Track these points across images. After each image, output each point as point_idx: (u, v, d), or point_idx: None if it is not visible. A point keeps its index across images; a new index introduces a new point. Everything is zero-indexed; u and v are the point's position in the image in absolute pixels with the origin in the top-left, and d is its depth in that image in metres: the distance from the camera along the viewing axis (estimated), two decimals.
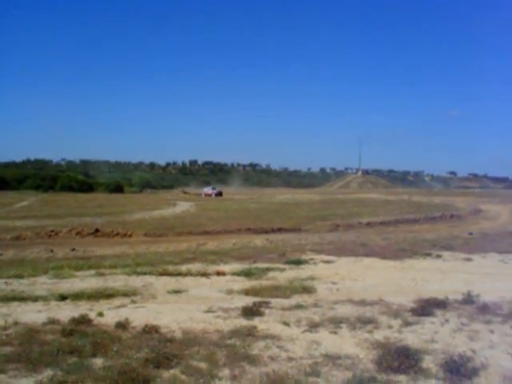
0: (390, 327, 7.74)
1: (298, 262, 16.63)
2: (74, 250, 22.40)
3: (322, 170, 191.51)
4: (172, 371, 5.78)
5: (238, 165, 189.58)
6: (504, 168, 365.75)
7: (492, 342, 6.62)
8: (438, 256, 18.70)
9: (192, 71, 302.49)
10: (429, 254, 18.96)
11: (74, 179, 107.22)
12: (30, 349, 6.41)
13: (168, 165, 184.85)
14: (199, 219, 38.10)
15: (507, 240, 26.09)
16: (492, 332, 7.17)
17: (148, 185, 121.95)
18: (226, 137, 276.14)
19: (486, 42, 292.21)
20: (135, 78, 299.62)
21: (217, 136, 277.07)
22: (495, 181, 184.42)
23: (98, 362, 6.06)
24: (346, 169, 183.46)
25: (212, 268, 15.47)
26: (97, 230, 29.97)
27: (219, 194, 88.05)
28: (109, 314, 8.70)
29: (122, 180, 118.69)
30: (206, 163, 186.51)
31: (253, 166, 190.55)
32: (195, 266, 15.60)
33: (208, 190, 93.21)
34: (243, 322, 8.10)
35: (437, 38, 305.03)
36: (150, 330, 7.43)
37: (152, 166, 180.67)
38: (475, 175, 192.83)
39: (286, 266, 15.97)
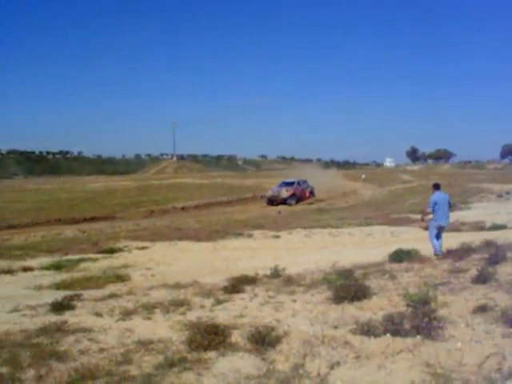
0: (203, 307, 7.95)
1: (112, 251, 16.32)
2: None
3: (137, 156, 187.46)
4: None
5: (48, 153, 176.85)
6: (308, 151, 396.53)
7: (294, 310, 7.14)
8: (250, 235, 19.67)
9: None
10: (240, 234, 19.84)
11: None
12: None
13: None
14: (3, 212, 35.07)
15: (311, 216, 28.39)
16: (295, 301, 7.75)
17: None
18: (34, 123, 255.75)
19: (286, 36, 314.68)
20: None
21: (23, 123, 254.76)
22: (301, 162, 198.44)
23: None
24: (162, 154, 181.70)
25: (18, 264, 14.49)
26: None
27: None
28: None
29: None
30: (11, 152, 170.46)
31: (63, 153, 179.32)
32: None
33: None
34: (52, 318, 7.66)
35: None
36: None
37: None
38: (283, 158, 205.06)
39: (99, 256, 15.57)
